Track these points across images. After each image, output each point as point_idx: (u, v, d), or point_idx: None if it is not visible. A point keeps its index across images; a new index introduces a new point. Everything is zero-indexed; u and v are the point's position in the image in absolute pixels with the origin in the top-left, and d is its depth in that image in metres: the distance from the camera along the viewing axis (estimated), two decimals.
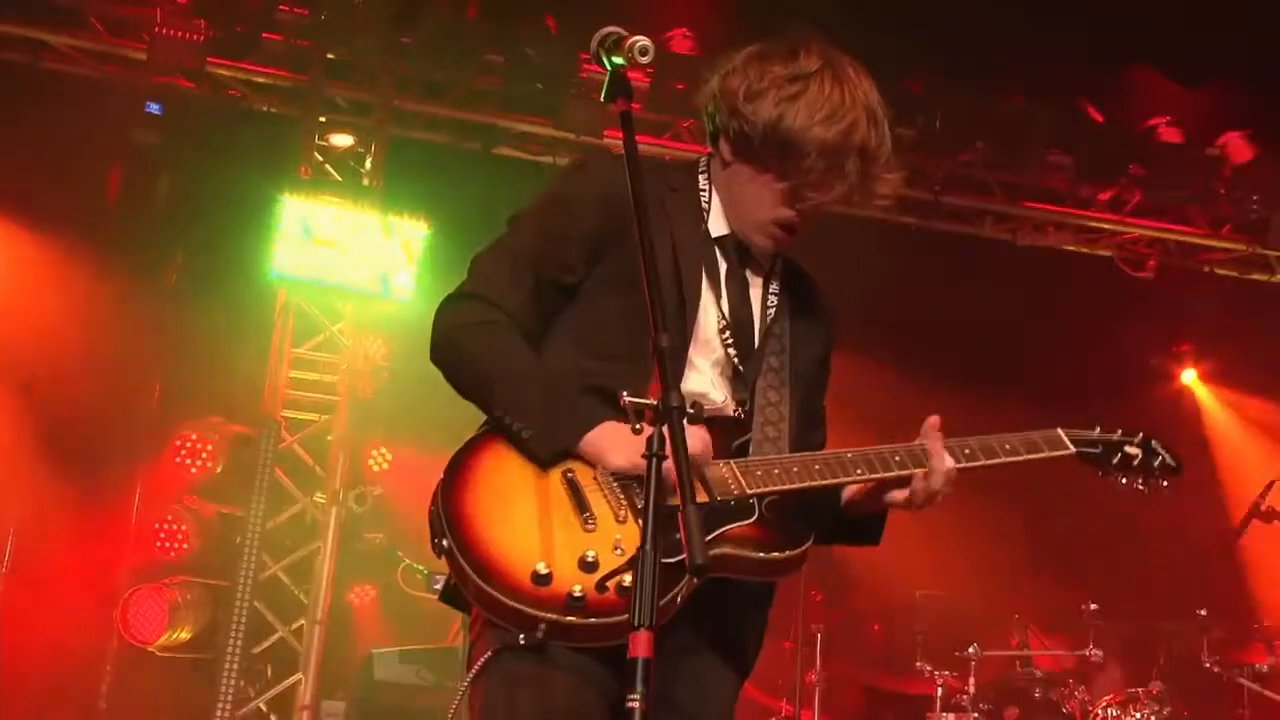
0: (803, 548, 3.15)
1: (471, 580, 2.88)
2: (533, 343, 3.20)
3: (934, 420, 3.29)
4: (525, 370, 3.12)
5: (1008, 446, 3.38)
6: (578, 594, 2.85)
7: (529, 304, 3.21)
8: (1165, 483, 3.60)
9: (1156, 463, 3.59)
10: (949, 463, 3.24)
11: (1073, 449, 3.49)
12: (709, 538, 2.87)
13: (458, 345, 3.18)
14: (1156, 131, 10.64)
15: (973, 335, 10.89)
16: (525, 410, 3.06)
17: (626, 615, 2.82)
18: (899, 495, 3.28)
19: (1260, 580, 10.50)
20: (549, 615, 2.84)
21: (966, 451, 3.32)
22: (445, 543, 2.93)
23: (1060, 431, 3.51)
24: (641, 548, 2.52)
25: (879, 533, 3.49)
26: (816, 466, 3.20)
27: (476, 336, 3.16)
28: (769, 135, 3.17)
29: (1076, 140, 10.67)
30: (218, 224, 9.94)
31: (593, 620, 2.85)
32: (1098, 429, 3.58)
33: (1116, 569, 9.67)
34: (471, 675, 2.99)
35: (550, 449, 3.04)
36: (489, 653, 2.97)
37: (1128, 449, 3.57)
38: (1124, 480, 3.58)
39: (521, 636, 2.85)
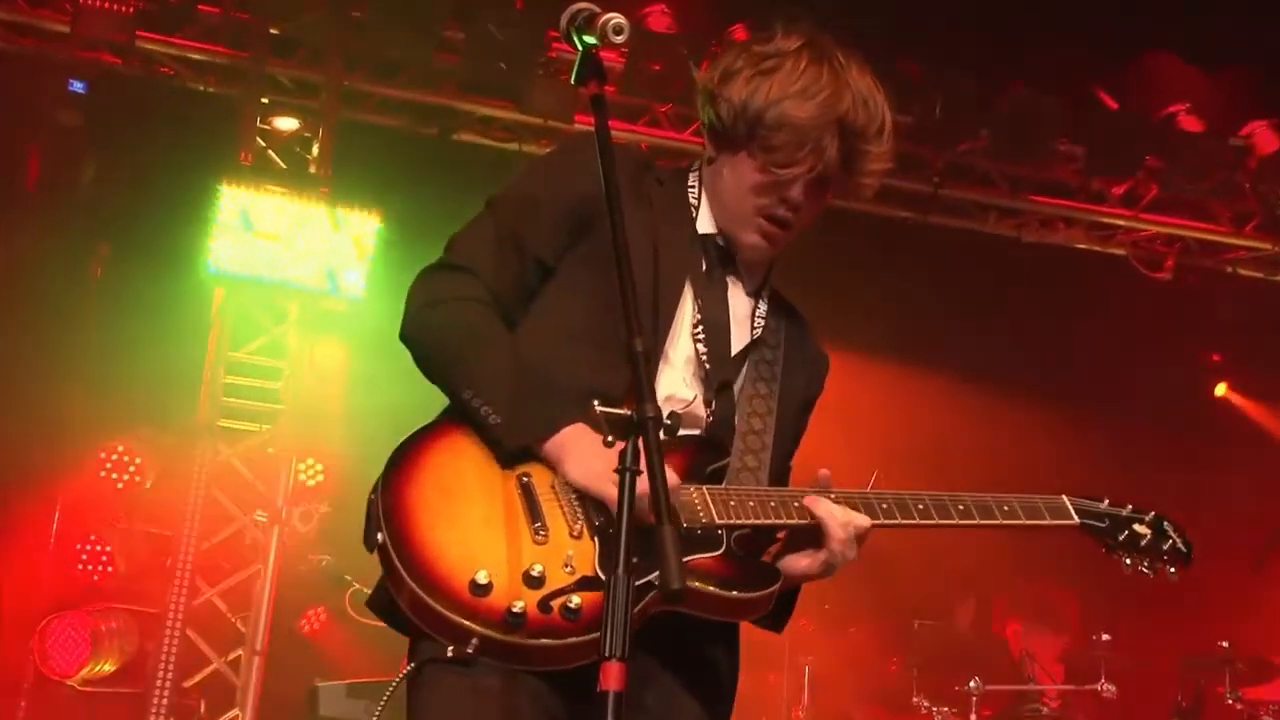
0: (769, 590, 3.14)
1: (404, 582, 2.88)
2: (509, 323, 3.25)
3: (824, 474, 3.27)
4: (502, 356, 3.17)
5: (1006, 509, 3.39)
6: (518, 610, 2.84)
7: (512, 281, 3.27)
8: (1173, 569, 3.58)
9: (1166, 546, 3.58)
10: (862, 521, 3.20)
11: (1077, 520, 3.49)
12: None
13: (435, 321, 3.23)
14: (1175, 120, 10.71)
15: (975, 341, 10.94)
16: (496, 396, 3.09)
17: (569, 640, 2.86)
18: (810, 564, 3.22)
19: None
20: (483, 630, 2.83)
21: (960, 508, 3.34)
22: (380, 537, 2.93)
23: (1066, 500, 3.51)
24: (613, 572, 2.54)
25: (783, 616, 3.40)
26: (796, 505, 3.21)
27: (456, 312, 3.21)
28: (742, 114, 3.27)
29: (1088, 129, 10.73)
30: (149, 214, 9.90)
31: (531, 642, 2.85)
32: (1106, 501, 3.57)
33: (1131, 596, 9.71)
34: (390, 689, 3.01)
35: (516, 439, 3.06)
36: (410, 665, 3.00)
37: (1137, 527, 3.56)
38: (1128, 561, 3.55)
39: (450, 649, 2.84)
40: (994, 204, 11.26)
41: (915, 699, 9.45)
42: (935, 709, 9.32)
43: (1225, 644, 9.43)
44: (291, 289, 9.88)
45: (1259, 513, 10.63)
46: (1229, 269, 11.60)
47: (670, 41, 9.98)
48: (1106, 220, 11.35)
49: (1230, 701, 9.31)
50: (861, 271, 10.72)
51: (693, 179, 3.46)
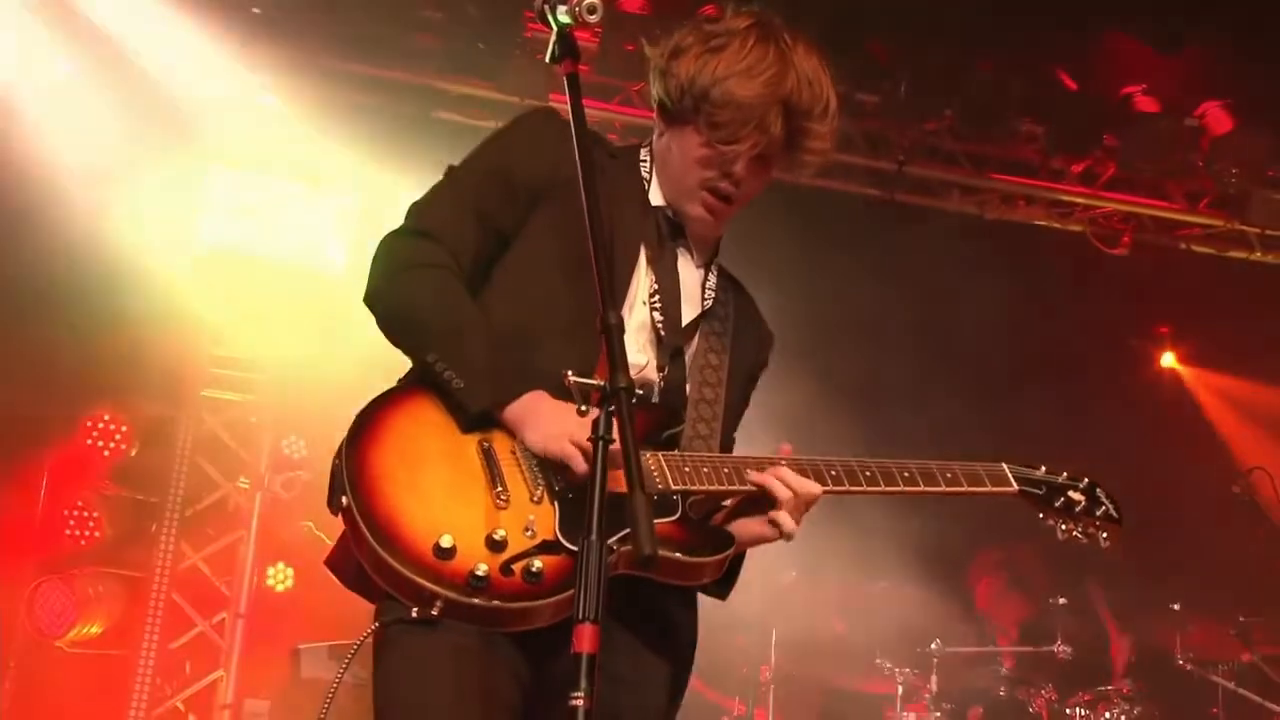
0: (724, 554, 3.18)
1: (368, 544, 2.89)
2: (470, 291, 3.27)
3: (786, 448, 3.31)
4: (467, 321, 3.18)
5: (949, 475, 3.45)
6: (481, 573, 2.86)
7: (472, 249, 3.29)
8: (1105, 535, 3.67)
9: (1099, 511, 3.67)
10: (813, 488, 3.25)
11: (1016, 487, 3.57)
12: (624, 532, 2.88)
13: (401, 285, 3.23)
14: (1132, 100, 10.70)
15: (939, 314, 10.95)
16: (461, 360, 3.09)
17: (532, 602, 2.89)
18: (760, 529, 3.27)
19: (1237, 574, 10.63)
20: (447, 593, 2.85)
21: (905, 475, 3.38)
22: (345, 500, 2.95)
23: (1005, 467, 3.58)
24: (581, 536, 2.55)
25: (729, 582, 3.45)
26: (750, 472, 3.24)
27: (422, 277, 3.22)
28: (688, 90, 3.31)
29: (1048, 109, 10.72)
30: (134, 188, 9.82)
31: (494, 604, 2.87)
32: (1043, 468, 3.65)
33: (1086, 562, 9.77)
34: (355, 649, 3.02)
35: (479, 403, 3.07)
36: (375, 624, 3.01)
37: (1072, 493, 3.64)
38: (1063, 526, 3.65)
39: (415, 610, 2.86)
40: (957, 182, 11.25)
41: (878, 660, 9.50)
42: (898, 670, 9.37)
43: (1176, 607, 9.49)
44: (274, 263, 9.85)
45: (1208, 480, 10.69)
46: (1182, 245, 11.62)
47: (644, 22, 9.91)
48: (1066, 198, 11.34)
49: (1181, 662, 9.38)
50: (830, 245, 10.73)
51: (644, 154, 3.51)
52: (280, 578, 10.12)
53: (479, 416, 3.08)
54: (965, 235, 11.17)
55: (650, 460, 3.14)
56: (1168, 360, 12.87)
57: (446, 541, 2.87)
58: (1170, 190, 11.34)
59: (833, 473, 3.29)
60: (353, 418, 3.08)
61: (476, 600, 2.86)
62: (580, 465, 2.99)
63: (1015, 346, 11.26)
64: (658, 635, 3.27)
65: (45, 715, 9.28)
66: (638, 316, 3.30)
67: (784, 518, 3.19)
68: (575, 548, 2.80)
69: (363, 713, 3.10)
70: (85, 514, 9.38)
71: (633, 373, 3.20)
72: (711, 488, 3.20)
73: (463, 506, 2.97)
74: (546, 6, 2.96)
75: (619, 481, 2.59)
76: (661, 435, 3.27)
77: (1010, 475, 3.57)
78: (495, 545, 2.91)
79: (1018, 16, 9.86)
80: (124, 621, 9.50)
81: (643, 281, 3.34)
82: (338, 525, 3.04)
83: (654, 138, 3.52)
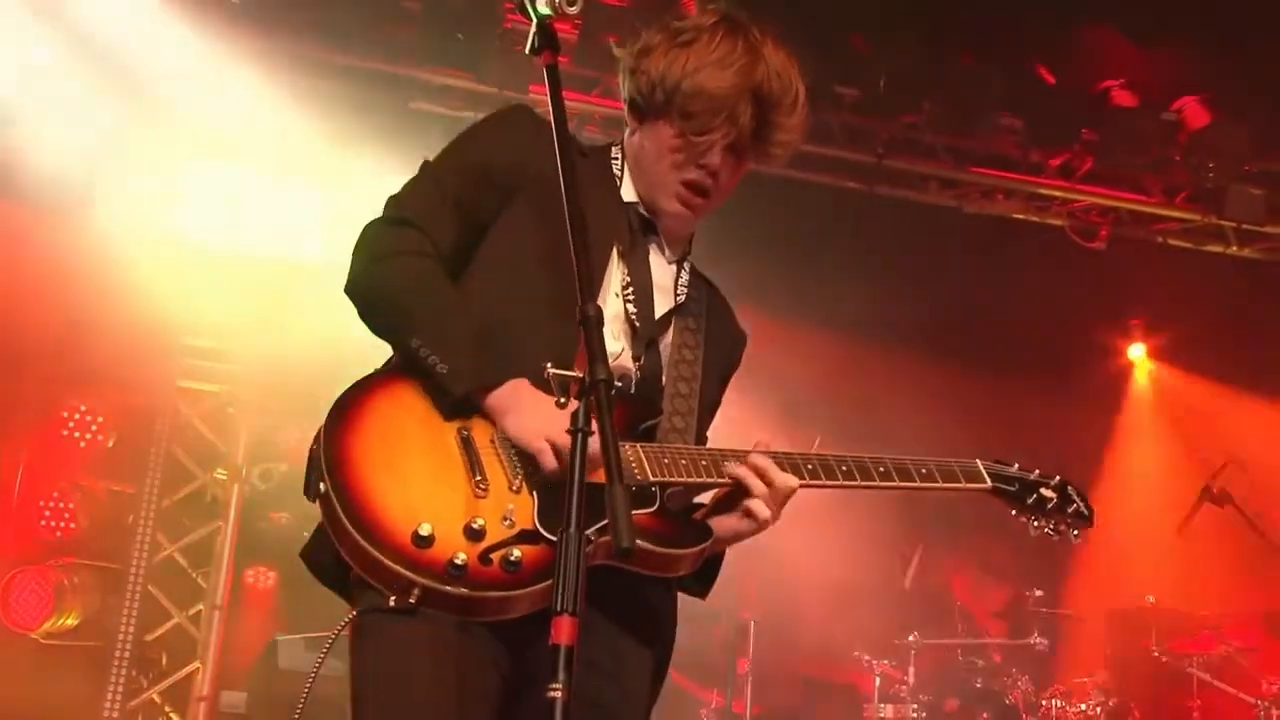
0: (701, 546, 3.19)
1: (346, 531, 2.88)
2: (451, 279, 3.27)
3: (763, 442, 3.32)
4: (451, 306, 3.19)
5: (924, 471, 3.46)
6: (459, 562, 2.87)
7: (451, 237, 3.30)
8: (1076, 532, 3.69)
9: (1070, 509, 3.69)
10: (790, 481, 3.25)
11: (989, 484, 3.58)
12: (602, 523, 2.90)
13: (384, 271, 3.24)
14: (1110, 94, 10.73)
15: (916, 306, 10.98)
16: (445, 345, 3.09)
17: (510, 592, 2.89)
18: (738, 523, 3.27)
19: (1210, 566, 10.70)
20: (425, 581, 2.85)
21: (881, 470, 3.39)
22: (323, 486, 2.94)
23: (979, 464, 3.60)
24: (559, 527, 2.55)
25: (709, 581, 3.48)
26: (727, 464, 3.25)
27: (405, 264, 3.23)
28: (660, 84, 3.33)
29: (1027, 102, 10.74)
30: (111, 178, 9.79)
31: (472, 593, 2.87)
32: (1016, 465, 3.67)
33: (1062, 554, 9.82)
34: (332, 639, 3.02)
35: (463, 386, 3.07)
36: (352, 613, 3.00)
37: (1043, 491, 3.66)
38: (1035, 523, 3.67)
39: (392, 599, 2.86)
40: (936, 175, 11.27)
41: (856, 652, 9.53)
42: (875, 662, 9.40)
43: (1151, 599, 9.54)
44: (251, 253, 9.83)
45: (1182, 475, 10.74)
46: (1160, 239, 11.67)
47: (623, 14, 9.91)
48: (1044, 192, 11.38)
49: (1156, 654, 9.43)
50: (810, 239, 10.75)
51: (615, 151, 3.53)
52: (261, 579, 10.13)
53: (462, 400, 3.08)
54: (944, 228, 11.20)
55: (629, 451, 3.14)
56: (1138, 353, 12.94)
57: (425, 530, 2.87)
58: (1148, 184, 11.39)
59: (809, 467, 3.30)
60: (328, 407, 3.07)
61: (454, 589, 2.86)
62: (550, 462, 2.99)
63: (993, 340, 11.29)
64: (636, 622, 3.28)
65: (20, 708, 9.24)
66: (612, 308, 3.30)
67: (758, 505, 3.20)
68: (554, 538, 2.81)
69: (341, 703, 3.10)
70: (61, 505, 9.34)
71: (609, 360, 3.22)
72: (690, 480, 3.21)
73: (442, 495, 2.96)
74: None
75: (598, 473, 2.59)
76: (639, 427, 3.28)
77: (984, 472, 3.58)
78: (474, 534, 2.91)
79: (996, 10, 9.88)
80: (100, 613, 9.47)
81: (615, 275, 3.35)
82: (314, 518, 3.03)
83: (625, 136, 3.54)
